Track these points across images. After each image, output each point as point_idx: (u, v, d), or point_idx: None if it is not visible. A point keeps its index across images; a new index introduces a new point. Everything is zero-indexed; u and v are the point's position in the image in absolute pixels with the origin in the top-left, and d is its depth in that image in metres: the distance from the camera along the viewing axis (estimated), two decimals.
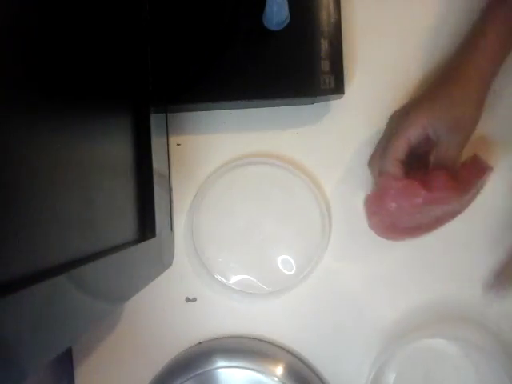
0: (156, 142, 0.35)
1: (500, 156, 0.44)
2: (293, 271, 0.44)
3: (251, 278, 0.44)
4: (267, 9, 0.38)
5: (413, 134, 0.37)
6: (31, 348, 0.17)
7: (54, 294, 0.19)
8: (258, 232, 0.45)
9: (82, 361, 0.45)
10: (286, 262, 0.44)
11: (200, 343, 0.45)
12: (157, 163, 0.35)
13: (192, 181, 0.46)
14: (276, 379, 0.41)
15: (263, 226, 0.45)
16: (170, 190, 0.40)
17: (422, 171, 0.39)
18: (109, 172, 0.28)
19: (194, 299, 0.45)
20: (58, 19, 0.22)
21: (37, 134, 0.20)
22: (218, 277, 0.44)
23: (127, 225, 0.31)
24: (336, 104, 0.45)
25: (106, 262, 0.25)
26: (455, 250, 0.44)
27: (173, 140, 0.45)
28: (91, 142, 0.26)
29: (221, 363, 0.42)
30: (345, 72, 0.41)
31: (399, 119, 0.39)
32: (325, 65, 0.41)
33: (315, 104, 0.44)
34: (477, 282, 0.44)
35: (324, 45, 0.41)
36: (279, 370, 0.42)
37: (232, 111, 0.46)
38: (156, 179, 0.34)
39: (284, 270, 0.44)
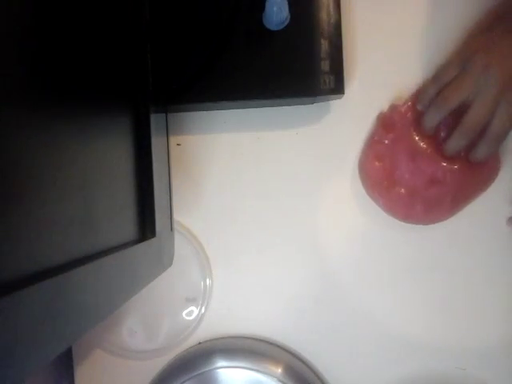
0: (156, 142, 0.35)
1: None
2: None
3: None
4: (267, 9, 0.38)
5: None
6: (31, 348, 0.17)
7: (54, 294, 0.19)
8: None
9: (82, 361, 0.45)
10: None
11: (200, 343, 0.45)
12: (157, 163, 0.35)
13: (192, 181, 0.46)
14: (276, 379, 0.41)
15: None
16: (170, 190, 0.40)
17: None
18: (109, 172, 0.28)
19: (194, 299, 0.45)
20: (58, 19, 0.22)
21: (36, 134, 0.20)
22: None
23: (127, 225, 0.31)
24: (336, 104, 0.45)
25: (106, 262, 0.25)
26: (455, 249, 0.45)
27: (173, 140, 0.45)
28: (91, 141, 0.26)
29: (220, 363, 0.42)
30: (345, 72, 0.41)
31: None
32: (325, 65, 0.40)
33: (315, 104, 0.44)
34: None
35: (324, 45, 0.41)
36: (279, 369, 0.42)
37: (232, 111, 0.46)
38: (156, 179, 0.34)
39: None
